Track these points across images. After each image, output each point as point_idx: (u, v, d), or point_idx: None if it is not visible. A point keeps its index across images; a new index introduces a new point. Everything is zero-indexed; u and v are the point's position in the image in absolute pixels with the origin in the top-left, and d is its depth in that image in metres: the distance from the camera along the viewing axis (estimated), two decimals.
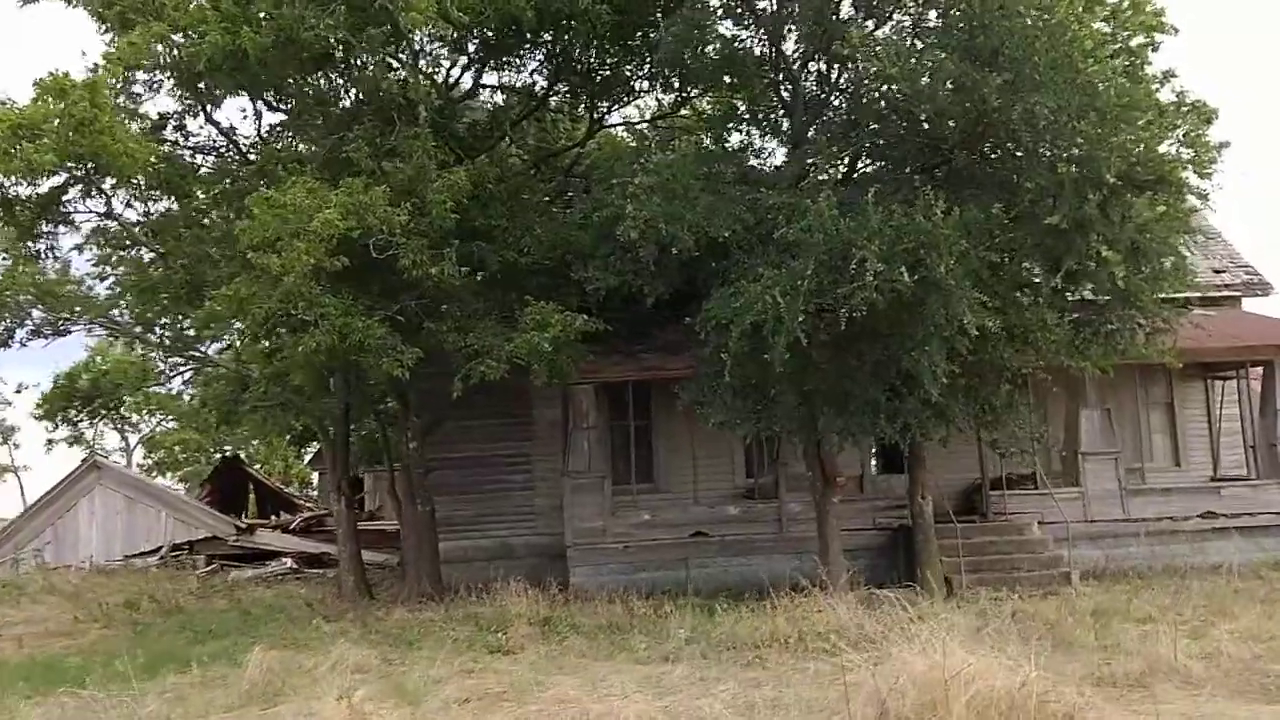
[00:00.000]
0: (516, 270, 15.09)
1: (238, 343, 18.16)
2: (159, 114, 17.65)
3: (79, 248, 15.84)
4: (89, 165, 13.37)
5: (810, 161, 13.88)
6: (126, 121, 14.61)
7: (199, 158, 17.67)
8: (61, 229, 15.23)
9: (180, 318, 17.90)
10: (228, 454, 40.34)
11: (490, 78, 19.02)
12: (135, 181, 14.68)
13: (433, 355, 14.87)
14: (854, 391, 13.53)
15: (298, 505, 38.26)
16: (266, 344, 15.37)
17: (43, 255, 15.70)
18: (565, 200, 17.20)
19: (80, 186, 14.60)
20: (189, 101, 16.36)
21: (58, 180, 14.24)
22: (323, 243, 12.52)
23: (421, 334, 14.44)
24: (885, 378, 13.42)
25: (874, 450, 20.38)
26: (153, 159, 14.08)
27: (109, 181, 14.86)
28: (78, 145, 12.76)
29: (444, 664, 11.67)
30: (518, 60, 18.79)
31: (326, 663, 11.94)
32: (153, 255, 16.20)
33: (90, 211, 14.96)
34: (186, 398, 31.60)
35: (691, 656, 11.74)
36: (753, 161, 15.73)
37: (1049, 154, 12.45)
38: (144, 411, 42.46)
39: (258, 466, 44.06)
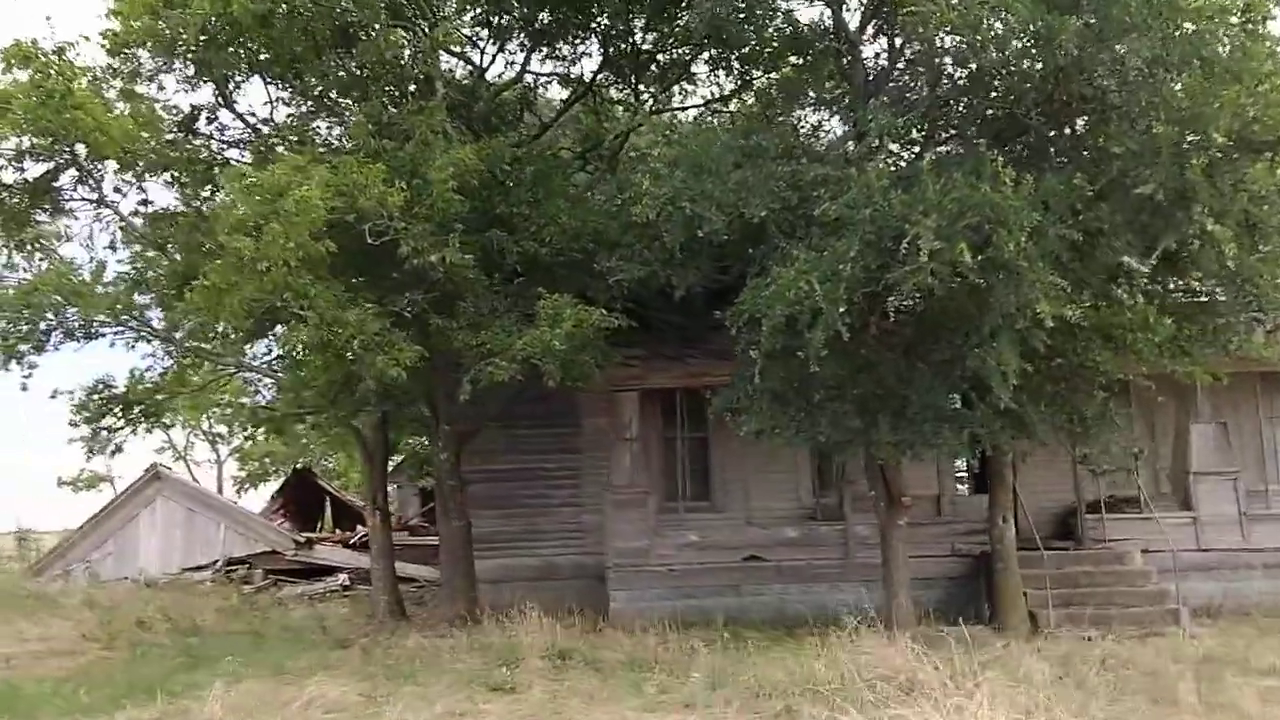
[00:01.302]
0: (538, 262, 13.55)
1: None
2: (191, 106, 16.68)
3: (72, 238, 14.75)
4: (68, 144, 12.27)
5: (869, 137, 12.01)
6: (119, 103, 13.47)
7: (232, 151, 16.66)
8: (63, 221, 14.22)
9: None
10: (299, 466, 39.74)
11: (537, 64, 17.69)
12: (134, 166, 13.54)
13: (463, 357, 13.45)
14: (912, 396, 11.64)
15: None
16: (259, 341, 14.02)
17: (30, 247, 14.69)
18: (602, 189, 15.63)
19: (74, 172, 13.55)
20: (201, 83, 15.22)
21: (48, 165, 13.20)
22: (306, 225, 11.14)
23: (432, 332, 12.99)
24: (949, 380, 11.51)
25: (963, 466, 18.37)
26: (140, 138, 12.86)
27: (111, 166, 13.77)
28: (44, 119, 11.65)
29: (432, 704, 10.19)
30: (569, 45, 17.40)
31: (302, 698, 10.58)
32: (153, 248, 15.08)
33: (83, 200, 13.91)
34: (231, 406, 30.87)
35: (712, 703, 10.01)
36: (804, 139, 13.89)
37: (1143, 114, 10.41)
38: (190, 419, 42.15)
39: (337, 481, 43.46)
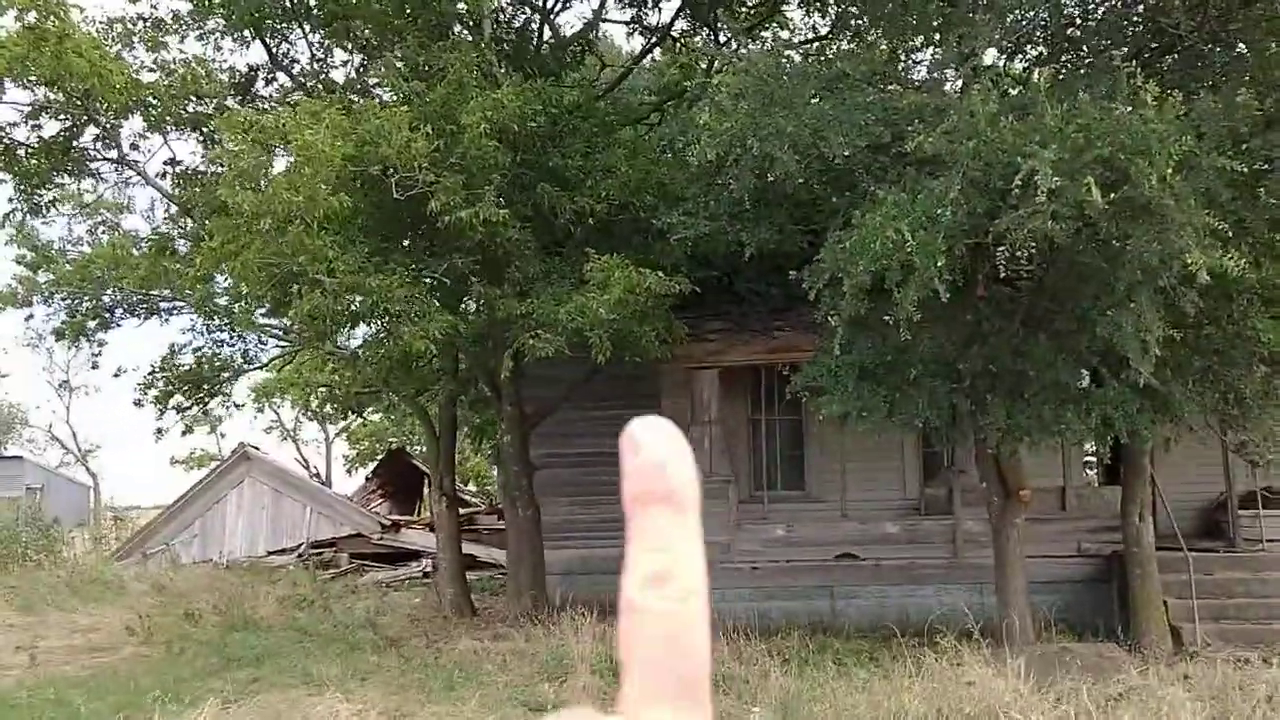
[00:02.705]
0: (595, 221, 11.88)
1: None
2: (248, 66, 15.50)
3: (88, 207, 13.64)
4: (73, 94, 11.06)
5: (976, 56, 9.97)
6: (143, 54, 12.27)
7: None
8: (86, 182, 13.13)
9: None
10: (393, 446, 39.01)
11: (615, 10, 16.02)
12: (162, 123, 12.33)
13: (509, 329, 11.93)
14: (1030, 372, 9.66)
15: (467, 501, 36.37)
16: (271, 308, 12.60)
17: (45, 210, 13.62)
18: (662, 131, 13.81)
19: (97, 131, 12.41)
20: (246, 38, 13.98)
21: (66, 124, 12.07)
22: (319, 176, 9.70)
23: (488, 302, 11.48)
24: (1075, 352, 9.50)
25: (1092, 454, 16.17)
26: (153, 87, 11.63)
27: (137, 125, 12.61)
28: (36, 62, 10.44)
29: None
30: None
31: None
32: (182, 211, 13.87)
33: (104, 160, 12.75)
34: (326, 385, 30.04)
35: None
36: (898, 64, 11.79)
37: None
38: (298, 398, 41.73)
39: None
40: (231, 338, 16.10)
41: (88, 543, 26.85)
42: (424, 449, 46.61)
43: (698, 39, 16.87)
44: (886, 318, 8.63)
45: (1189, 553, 12.58)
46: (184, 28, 13.13)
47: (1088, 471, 17.39)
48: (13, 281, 17.56)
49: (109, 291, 16.61)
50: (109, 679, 11.94)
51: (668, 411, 16.46)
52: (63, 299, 17.86)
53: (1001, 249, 8.28)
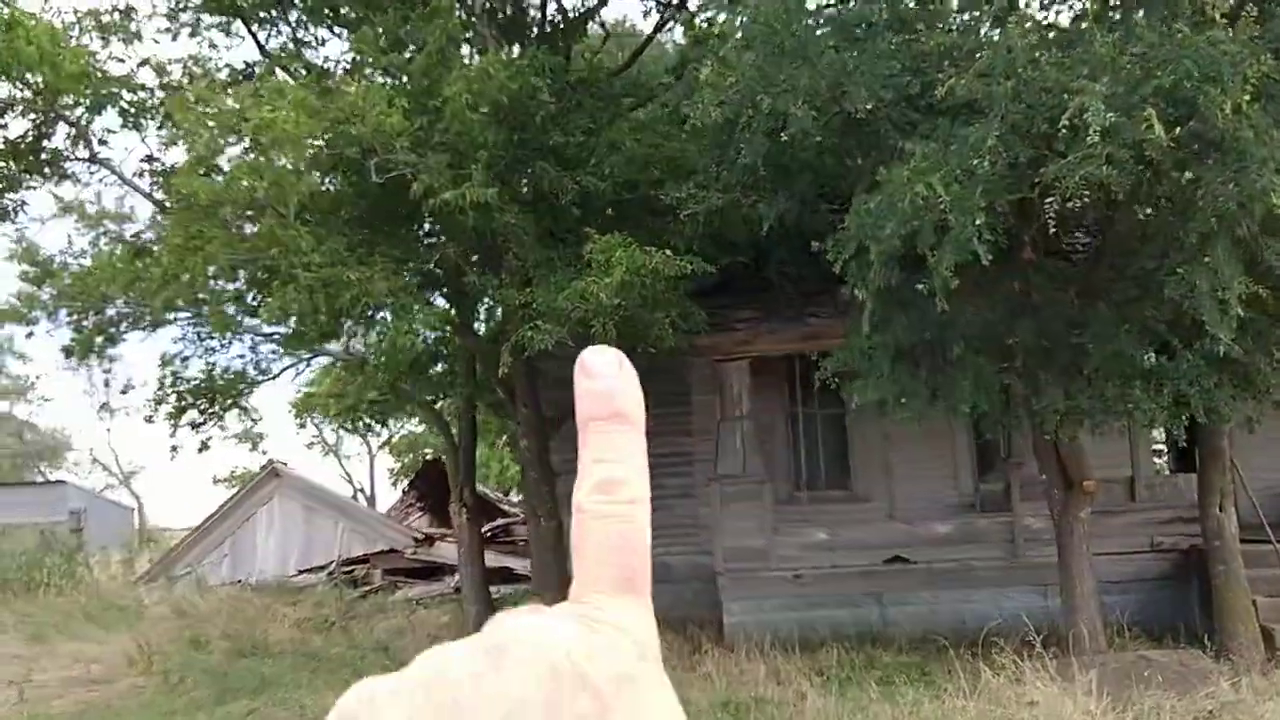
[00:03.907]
0: (601, 202, 10.85)
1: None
2: (245, 62, 14.68)
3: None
4: (25, 83, 10.24)
5: None
6: (107, 48, 11.44)
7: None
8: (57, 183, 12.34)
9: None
10: (428, 457, 38.22)
11: None
12: (138, 118, 11.51)
13: (509, 321, 10.95)
14: (1090, 346, 8.47)
15: (506, 512, 35.48)
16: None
17: (14, 215, 12.85)
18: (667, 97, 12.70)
19: (69, 129, 11.61)
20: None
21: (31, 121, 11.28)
22: (285, 160, 8.77)
23: (468, 290, 10.50)
24: (1139, 319, 8.30)
25: (1162, 439, 14.86)
26: (113, 80, 10.78)
27: (112, 120, 11.79)
28: None
29: None
30: None
31: None
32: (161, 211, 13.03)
33: (77, 159, 11.95)
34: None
35: None
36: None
37: None
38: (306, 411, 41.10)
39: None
40: (222, 345, 15.25)
41: (115, 566, 26.21)
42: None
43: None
44: (920, 286, 7.49)
45: (1278, 546, 11.29)
46: (161, 18, 12.31)
47: (1157, 463, 16.08)
48: (12, 297, 16.87)
49: (112, 305, 15.87)
50: (97, 714, 11.11)
51: (699, 409, 15.43)
52: (68, 315, 17.19)
53: (1050, 201, 7.11)
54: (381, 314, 9.77)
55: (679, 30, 16.18)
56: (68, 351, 17.84)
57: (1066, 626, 10.27)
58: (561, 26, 12.75)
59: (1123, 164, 6.80)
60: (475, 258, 10.79)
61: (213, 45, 13.71)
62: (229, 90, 10.15)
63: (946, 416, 9.21)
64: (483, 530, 28.74)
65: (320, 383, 31.10)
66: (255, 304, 10.68)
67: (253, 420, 20.06)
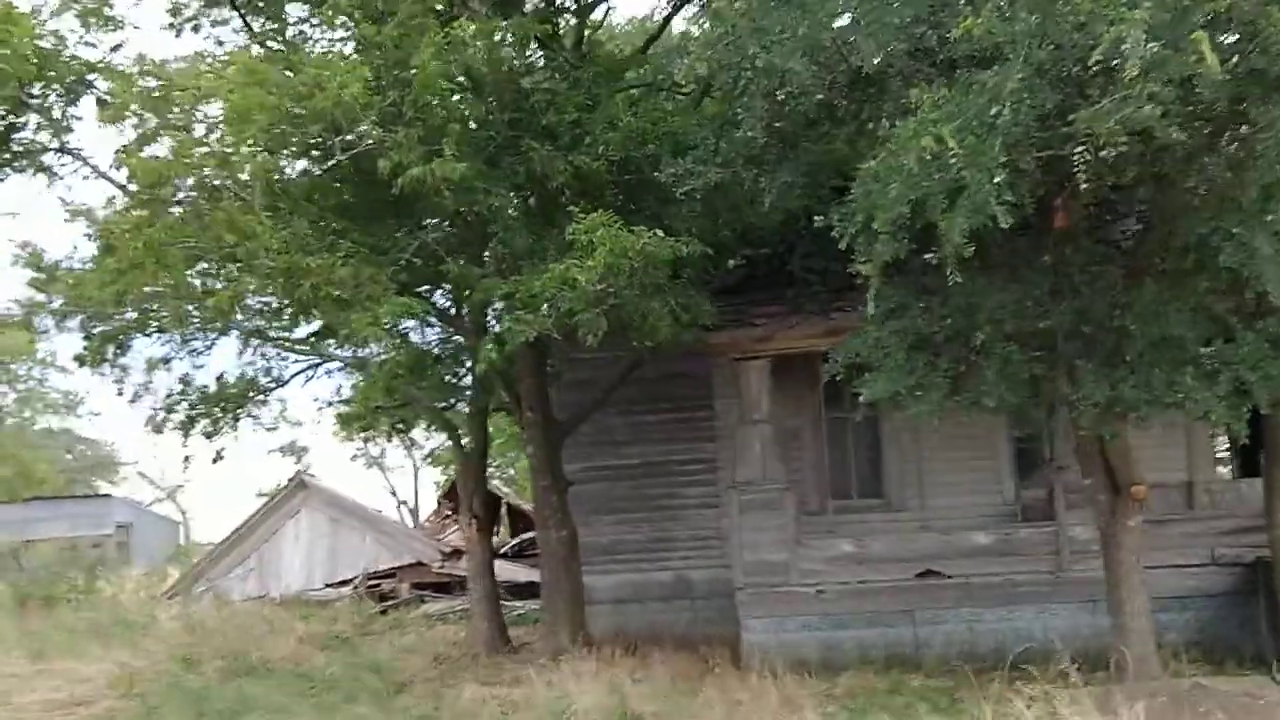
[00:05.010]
0: (594, 182, 9.95)
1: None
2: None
3: None
4: None
5: None
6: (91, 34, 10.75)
7: None
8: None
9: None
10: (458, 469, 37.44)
11: None
12: (110, 102, 10.77)
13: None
14: (1134, 328, 7.40)
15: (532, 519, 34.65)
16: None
17: None
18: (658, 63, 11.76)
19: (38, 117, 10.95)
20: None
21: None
22: (241, 136, 7.98)
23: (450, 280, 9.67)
24: (1190, 295, 7.23)
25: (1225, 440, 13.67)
26: (88, 67, 10.08)
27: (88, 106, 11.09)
28: None
29: None
30: None
31: None
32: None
33: (45, 149, 11.25)
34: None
35: None
36: None
37: None
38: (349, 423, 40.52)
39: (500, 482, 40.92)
40: (206, 347, 14.54)
41: (137, 581, 25.75)
42: (496, 467, 45.11)
43: None
44: (929, 255, 6.49)
45: None
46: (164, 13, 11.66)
47: (1221, 467, 14.87)
48: (12, 304, 16.27)
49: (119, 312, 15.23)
50: None
51: (721, 412, 14.44)
52: (76, 321, 16.60)
53: (1081, 153, 6.07)
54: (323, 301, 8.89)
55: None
56: (80, 360, 17.21)
57: (1116, 645, 9.16)
58: (562, 4, 11.90)
59: (1168, 104, 5.76)
60: (461, 245, 9.91)
61: (219, 42, 12.95)
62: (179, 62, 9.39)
63: (968, 413, 8.14)
64: (513, 542, 27.99)
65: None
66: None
67: (268, 430, 19.37)
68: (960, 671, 10.38)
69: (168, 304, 10.18)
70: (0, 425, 47.00)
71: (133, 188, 8.85)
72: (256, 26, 11.95)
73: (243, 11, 11.79)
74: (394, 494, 55.63)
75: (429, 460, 53.04)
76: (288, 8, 11.30)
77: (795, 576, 12.20)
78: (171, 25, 12.37)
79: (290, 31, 11.56)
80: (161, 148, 9.08)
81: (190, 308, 10.21)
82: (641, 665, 11.16)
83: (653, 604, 15.13)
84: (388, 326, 8.79)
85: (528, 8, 11.60)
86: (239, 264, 8.62)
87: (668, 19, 14.62)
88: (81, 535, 37.33)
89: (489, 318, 9.32)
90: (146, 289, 9.32)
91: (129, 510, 47.56)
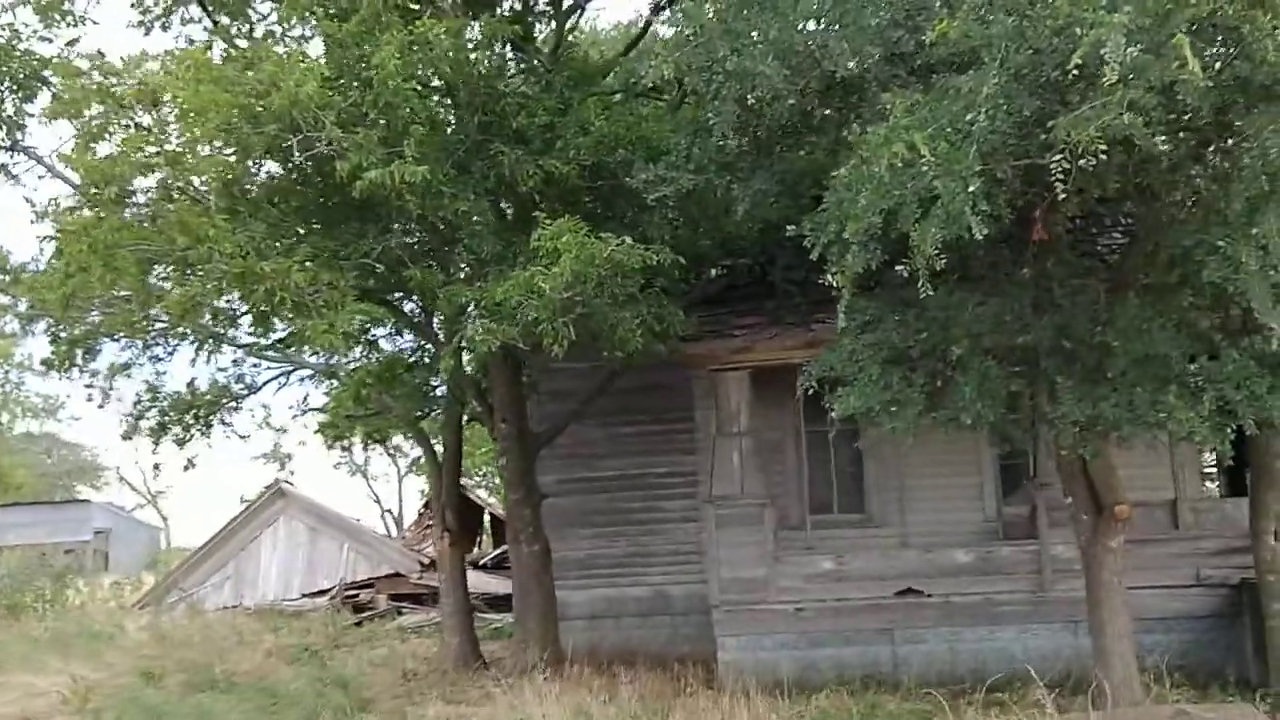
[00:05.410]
0: (564, 187, 9.67)
1: None
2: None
3: None
4: None
5: None
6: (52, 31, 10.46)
7: None
8: None
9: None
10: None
11: None
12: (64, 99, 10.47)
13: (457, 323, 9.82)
14: (1115, 344, 7.14)
15: None
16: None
17: None
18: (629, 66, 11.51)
19: None
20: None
21: None
22: (195, 134, 7.68)
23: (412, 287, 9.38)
24: (1174, 311, 6.97)
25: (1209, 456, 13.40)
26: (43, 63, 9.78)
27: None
28: None
29: None
30: None
31: None
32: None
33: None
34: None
35: None
36: None
37: None
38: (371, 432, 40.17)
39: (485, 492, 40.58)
40: (168, 354, 14.20)
41: (109, 589, 25.34)
42: (482, 477, 44.69)
43: None
44: (901, 267, 6.22)
45: None
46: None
47: (1206, 485, 14.61)
48: None
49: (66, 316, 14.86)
50: None
51: (701, 424, 14.13)
52: (42, 325, 16.24)
53: (1060, 157, 5.79)
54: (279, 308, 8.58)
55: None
56: (47, 364, 16.84)
57: (1098, 667, 8.89)
58: (537, 7, 11.63)
59: (1149, 112, 5.50)
60: (427, 251, 9.63)
61: (190, 41, 12.64)
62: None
63: (946, 429, 7.86)
64: (493, 554, 27.60)
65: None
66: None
67: (241, 438, 19.00)
68: (939, 694, 10.12)
69: (120, 308, 9.85)
70: None
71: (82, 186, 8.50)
72: (227, 24, 11.66)
73: (209, 8, 11.49)
74: (378, 502, 55.21)
75: (413, 468, 52.71)
76: (254, 5, 10.99)
77: (773, 594, 11.92)
78: (141, 23, 12.10)
79: (260, 30, 11.25)
80: (110, 146, 8.84)
81: (151, 312, 9.90)
82: (611, 685, 10.85)
83: (629, 620, 14.83)
84: (350, 333, 8.47)
85: (505, 10, 11.36)
86: (192, 267, 8.29)
87: (648, 24, 14.39)
88: (59, 541, 36.90)
89: (464, 326, 8.97)
90: (98, 293, 8.99)
91: (108, 516, 47.07)
